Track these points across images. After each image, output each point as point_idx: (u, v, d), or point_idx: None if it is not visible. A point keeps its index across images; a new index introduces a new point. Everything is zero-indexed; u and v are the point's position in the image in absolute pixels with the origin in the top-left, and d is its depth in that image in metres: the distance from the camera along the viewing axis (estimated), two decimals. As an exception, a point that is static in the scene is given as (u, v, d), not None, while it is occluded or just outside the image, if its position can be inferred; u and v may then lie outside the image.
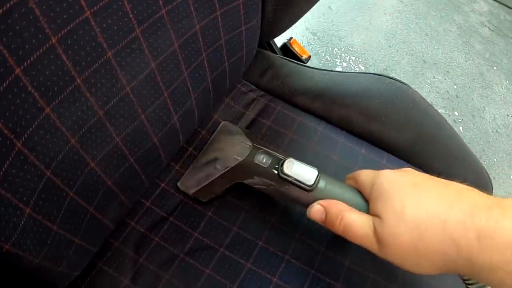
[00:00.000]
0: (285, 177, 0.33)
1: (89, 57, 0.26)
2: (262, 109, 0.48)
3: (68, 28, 0.23)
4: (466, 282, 0.31)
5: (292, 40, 0.57)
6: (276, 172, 0.34)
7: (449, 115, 1.05)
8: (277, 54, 0.56)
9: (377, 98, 0.48)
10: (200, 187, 0.40)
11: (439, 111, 1.07)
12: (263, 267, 0.38)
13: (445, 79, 1.13)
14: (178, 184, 0.42)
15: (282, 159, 0.35)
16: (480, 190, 0.50)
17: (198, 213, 0.40)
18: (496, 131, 1.08)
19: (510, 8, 1.36)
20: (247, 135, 0.42)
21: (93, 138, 0.29)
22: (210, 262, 0.37)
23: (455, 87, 1.12)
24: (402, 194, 0.28)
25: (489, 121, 1.09)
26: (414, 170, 0.31)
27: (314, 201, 0.32)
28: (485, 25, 1.25)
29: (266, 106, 0.48)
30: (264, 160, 0.36)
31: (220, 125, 0.46)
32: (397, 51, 1.12)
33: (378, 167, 0.45)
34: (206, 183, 0.40)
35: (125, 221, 0.40)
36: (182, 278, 0.37)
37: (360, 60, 1.03)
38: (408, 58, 1.11)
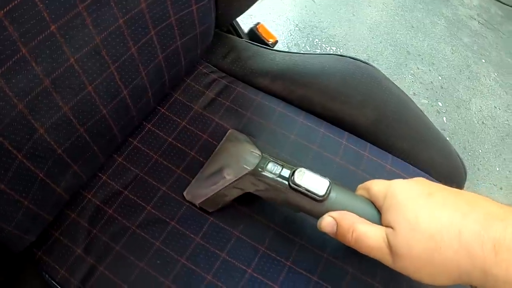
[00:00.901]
0: (296, 187, 0.33)
1: (34, 30, 0.29)
2: (222, 90, 0.51)
3: (14, 3, 0.27)
4: None
5: (259, 25, 0.61)
6: (286, 182, 0.34)
7: (432, 106, 1.09)
8: (242, 38, 0.60)
9: (337, 77, 0.51)
10: (207, 197, 0.41)
11: (422, 101, 1.12)
12: (211, 242, 0.41)
13: (430, 70, 1.17)
14: (184, 193, 0.43)
15: (292, 168, 0.35)
16: (451, 173, 0.52)
17: (152, 187, 0.43)
18: (482, 122, 1.11)
19: (501, 2, 1.40)
20: (256, 144, 0.43)
21: (40, 105, 0.33)
22: (160, 235, 0.41)
23: (440, 78, 1.16)
24: (415, 204, 0.28)
25: (474, 113, 1.12)
26: (426, 180, 0.31)
27: (325, 212, 0.33)
28: (475, 19, 1.29)
29: (226, 87, 0.51)
30: (274, 170, 0.36)
31: (228, 133, 0.47)
32: (380, 42, 1.16)
33: (337, 146, 0.48)
34: (214, 193, 0.40)
35: (82, 193, 0.43)
36: (132, 250, 0.40)
37: (341, 50, 1.07)
38: (391, 49, 1.15)
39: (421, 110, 0.54)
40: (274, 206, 0.42)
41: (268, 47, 0.57)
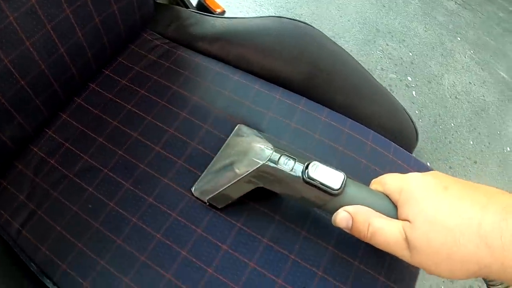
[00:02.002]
0: (310, 180, 0.34)
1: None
2: (163, 53, 0.58)
3: None
4: (489, 283, 0.32)
5: (207, -3, 0.67)
6: (300, 175, 0.35)
7: (401, 80, 1.15)
8: (188, 8, 0.66)
9: (272, 35, 0.57)
10: (216, 192, 0.42)
11: (390, 76, 1.18)
12: (139, 187, 0.47)
13: (400, 46, 1.23)
14: (192, 190, 0.45)
15: (306, 162, 0.36)
16: (397, 128, 0.56)
17: (91, 139, 0.49)
18: (456, 97, 1.16)
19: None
20: (266, 138, 0.44)
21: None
22: (93, 182, 0.47)
23: (411, 54, 1.22)
24: (433, 198, 0.29)
25: (447, 87, 1.18)
26: (441, 173, 0.32)
27: (339, 207, 0.33)
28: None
29: (168, 51, 0.58)
30: (287, 163, 0.36)
31: (236, 128, 0.49)
32: (349, 21, 1.23)
33: (270, 101, 0.54)
34: (224, 188, 0.41)
35: (30, 147, 0.50)
36: (68, 196, 0.46)
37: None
38: (359, 26, 1.22)
39: (361, 65, 0.59)
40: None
41: (208, 14, 0.63)
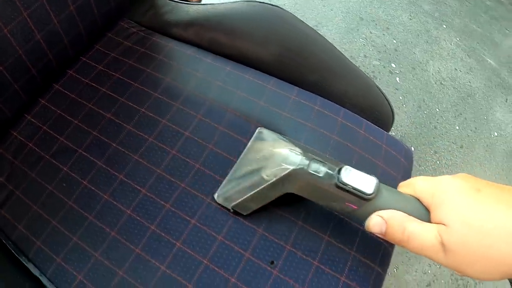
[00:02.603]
0: (343, 185, 0.33)
1: None
2: (139, 40, 0.58)
3: None
4: None
5: (183, -14, 0.68)
6: (332, 180, 0.34)
7: (384, 67, 1.14)
8: (165, -3, 0.67)
9: (241, 18, 0.57)
10: (242, 199, 0.41)
11: (373, 63, 1.18)
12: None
13: (384, 34, 1.22)
14: (215, 196, 0.44)
15: (337, 167, 0.35)
16: (370, 106, 0.57)
17: (68, 121, 0.50)
18: (441, 83, 1.15)
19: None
20: (290, 141, 0.42)
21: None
22: (68, 162, 0.47)
23: (395, 41, 1.21)
24: (467, 201, 0.29)
25: (432, 74, 1.17)
26: (471, 176, 0.32)
27: (371, 212, 0.33)
28: (438, -12, 1.35)
29: (143, 38, 0.58)
30: (318, 168, 0.35)
31: (256, 131, 0.47)
32: (332, 10, 1.23)
33: (241, 81, 0.54)
34: (250, 194, 0.40)
35: (10, 132, 0.50)
36: (44, 176, 0.47)
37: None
38: (343, 15, 1.21)
39: (331, 44, 0.59)
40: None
41: (186, 2, 0.64)
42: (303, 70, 0.56)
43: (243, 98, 0.52)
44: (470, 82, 1.21)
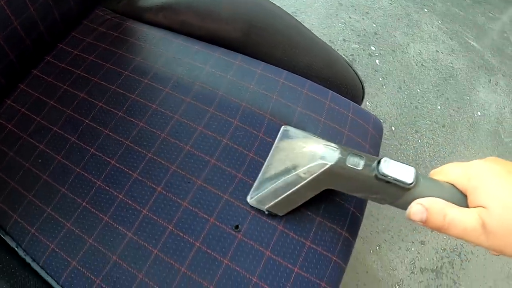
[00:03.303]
0: (383, 177, 0.32)
1: None
2: (113, 26, 0.58)
3: None
4: None
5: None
6: (372, 173, 0.33)
7: (363, 50, 1.12)
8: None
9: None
10: (278, 199, 0.39)
11: (352, 46, 1.17)
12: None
13: (363, 19, 1.21)
14: (248, 199, 0.42)
15: (374, 159, 0.34)
16: (337, 79, 0.56)
17: (44, 103, 0.50)
18: (422, 64, 1.14)
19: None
20: (319, 137, 0.41)
21: None
22: (43, 140, 0.48)
23: (374, 25, 1.19)
24: (503, 182, 0.29)
25: (413, 56, 1.15)
26: (500, 159, 0.32)
27: (411, 201, 0.32)
28: (419, -27, 1.33)
29: (117, 24, 0.58)
30: (356, 162, 0.34)
31: (281, 130, 0.45)
32: None
33: (210, 58, 0.54)
34: (286, 194, 0.39)
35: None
36: (21, 154, 0.47)
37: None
38: (321, 1, 1.19)
39: (300, 23, 0.58)
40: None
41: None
42: (269, 45, 0.56)
43: (211, 73, 0.52)
44: (452, 63, 1.20)
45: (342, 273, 0.44)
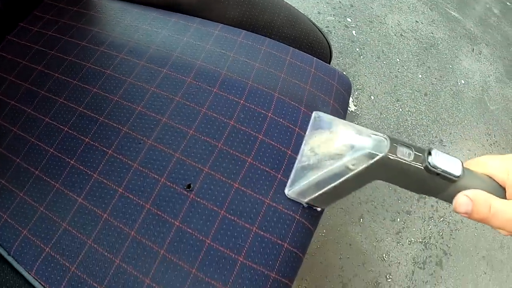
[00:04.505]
0: (433, 169, 0.30)
1: None
2: (74, 0, 0.53)
3: None
4: None
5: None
6: (422, 164, 0.31)
7: (339, 22, 1.04)
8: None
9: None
10: (321, 191, 0.35)
11: (328, 18, 1.08)
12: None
13: None
14: (287, 192, 0.37)
15: (424, 150, 0.31)
16: (300, 37, 0.50)
17: (2, 79, 0.46)
18: (401, 35, 1.05)
19: None
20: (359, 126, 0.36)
21: None
22: (17, 123, 0.43)
23: None
24: None
25: (391, 26, 1.06)
26: None
27: (456, 193, 0.31)
28: None
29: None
30: (406, 153, 0.31)
31: (313, 117, 0.37)
32: None
33: (167, 23, 0.48)
34: (331, 186, 0.34)
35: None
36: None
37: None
38: None
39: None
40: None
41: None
42: (226, 7, 0.50)
43: (168, 36, 0.46)
44: (432, 33, 1.10)
45: (309, 235, 0.38)
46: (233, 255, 0.33)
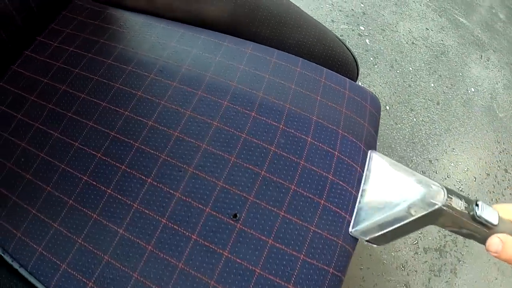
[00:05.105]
0: (479, 218, 0.36)
1: None
2: (93, 14, 0.53)
3: None
4: None
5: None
6: (470, 213, 0.37)
7: (353, 30, 1.08)
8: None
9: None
10: (382, 232, 0.40)
11: (341, 27, 1.12)
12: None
13: None
14: (351, 230, 0.41)
15: (472, 201, 0.38)
16: (330, 56, 0.52)
17: (24, 98, 0.46)
18: (412, 42, 1.09)
19: None
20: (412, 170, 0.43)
21: None
22: (25, 137, 0.44)
23: (362, 5, 1.14)
24: None
25: (403, 34, 1.11)
26: None
27: (489, 236, 0.37)
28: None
29: (97, 12, 0.54)
30: (459, 204, 0.37)
31: (370, 155, 0.44)
32: None
33: (195, 41, 0.49)
34: (393, 228, 0.39)
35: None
36: (2, 154, 0.43)
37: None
38: None
39: (289, 1, 0.54)
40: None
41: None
42: (257, 24, 0.51)
43: (199, 55, 0.48)
44: (442, 40, 1.15)
45: (349, 258, 0.41)
46: (283, 283, 0.35)
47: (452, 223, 0.38)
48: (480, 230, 0.37)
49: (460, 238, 0.94)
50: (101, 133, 0.42)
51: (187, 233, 0.36)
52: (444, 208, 0.37)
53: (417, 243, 0.90)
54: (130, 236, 0.36)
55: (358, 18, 1.09)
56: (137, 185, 0.39)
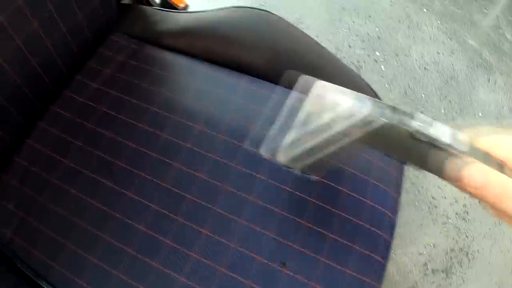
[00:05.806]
0: (417, 135, 0.30)
1: None
2: (132, 53, 0.59)
3: None
4: None
5: (170, -7, 0.69)
6: (410, 131, 0.31)
7: (369, 56, 1.17)
8: (152, 6, 0.68)
9: (232, 25, 0.59)
10: (314, 158, 0.37)
11: (358, 52, 1.21)
12: (120, 184, 0.50)
13: (366, 23, 1.25)
14: (279, 158, 0.38)
15: (409, 113, 0.31)
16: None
17: (68, 143, 0.52)
18: (424, 68, 1.19)
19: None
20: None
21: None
22: (75, 183, 0.49)
23: (377, 29, 1.25)
24: None
25: (415, 59, 1.21)
26: None
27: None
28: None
29: (136, 51, 0.59)
30: (393, 117, 0.32)
31: (301, 81, 0.39)
32: (314, 1, 1.25)
33: (236, 88, 0.56)
34: (328, 152, 0.36)
35: (13, 159, 0.51)
36: (52, 199, 0.49)
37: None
38: (324, 7, 1.23)
39: (323, 47, 0.61)
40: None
41: (173, 10, 0.65)
42: (292, 69, 0.59)
43: (241, 104, 0.54)
44: (452, 64, 1.26)
45: None
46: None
47: (391, 145, 0.33)
48: (438, 156, 0.30)
49: (465, 259, 1.04)
50: (154, 185, 0.48)
51: (243, 280, 0.43)
52: (369, 119, 0.32)
53: (426, 264, 1.01)
54: (190, 283, 0.43)
55: (374, 43, 1.18)
56: (194, 236, 0.45)
